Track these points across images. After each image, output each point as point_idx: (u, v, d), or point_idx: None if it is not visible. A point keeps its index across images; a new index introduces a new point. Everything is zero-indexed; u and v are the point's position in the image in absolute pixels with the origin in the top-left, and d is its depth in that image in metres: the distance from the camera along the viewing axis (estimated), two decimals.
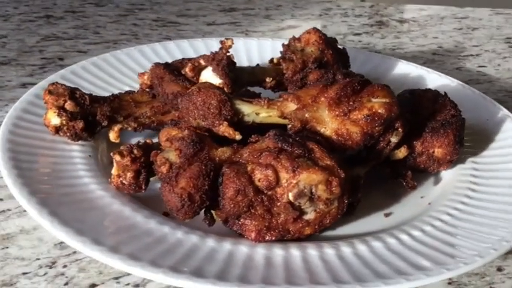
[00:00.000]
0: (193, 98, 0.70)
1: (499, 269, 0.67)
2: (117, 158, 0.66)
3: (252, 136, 0.69)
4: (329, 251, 0.64)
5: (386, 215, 0.72)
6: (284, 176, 0.63)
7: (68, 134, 0.75)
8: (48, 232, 0.64)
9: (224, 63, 0.77)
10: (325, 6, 1.40)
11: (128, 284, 0.62)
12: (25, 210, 0.68)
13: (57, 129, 0.75)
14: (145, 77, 0.82)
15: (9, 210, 0.70)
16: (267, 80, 0.81)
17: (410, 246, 0.65)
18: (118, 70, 0.93)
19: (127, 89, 0.86)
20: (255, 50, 1.00)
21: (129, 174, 0.67)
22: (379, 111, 0.70)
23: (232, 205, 0.63)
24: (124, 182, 0.67)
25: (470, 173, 0.78)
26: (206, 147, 0.66)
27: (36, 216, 0.63)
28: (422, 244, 0.65)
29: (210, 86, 0.71)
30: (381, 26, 1.31)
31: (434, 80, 0.95)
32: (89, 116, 0.76)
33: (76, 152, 0.75)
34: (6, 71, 0.99)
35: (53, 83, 0.75)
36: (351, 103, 0.70)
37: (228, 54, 0.78)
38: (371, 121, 0.69)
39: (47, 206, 0.63)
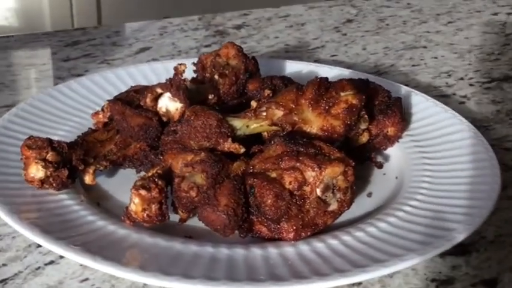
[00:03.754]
0: (192, 123, 0.73)
1: None
2: (143, 192, 0.67)
3: (254, 147, 0.73)
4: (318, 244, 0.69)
5: (369, 195, 0.80)
6: (310, 174, 0.68)
7: (54, 185, 0.74)
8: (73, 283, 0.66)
9: (183, 87, 0.80)
10: (159, 25, 1.44)
11: None
12: (38, 268, 0.68)
13: (43, 182, 0.74)
14: (101, 116, 0.83)
15: (20, 272, 0.68)
16: (210, 97, 0.85)
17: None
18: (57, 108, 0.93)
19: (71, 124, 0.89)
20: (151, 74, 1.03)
21: (154, 206, 0.68)
22: (353, 102, 0.77)
23: (275, 211, 0.67)
24: (150, 214, 0.68)
25: (413, 144, 0.87)
26: (225, 164, 0.70)
27: (89, 263, 0.63)
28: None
29: (202, 108, 0.74)
30: (223, 34, 1.38)
31: (327, 72, 1.03)
32: (67, 163, 0.75)
33: (67, 200, 0.74)
34: None
35: (29, 137, 0.74)
36: (327, 100, 0.76)
37: (182, 78, 0.81)
38: (349, 112, 0.77)
39: (88, 253, 0.64)
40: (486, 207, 0.71)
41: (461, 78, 1.17)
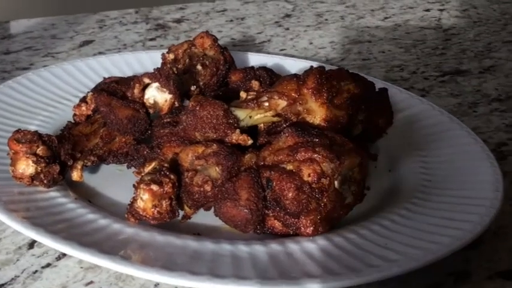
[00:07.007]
0: (198, 113, 0.68)
1: None
2: (154, 188, 0.63)
3: (261, 138, 0.70)
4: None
5: (367, 188, 0.77)
6: (328, 166, 0.65)
7: (45, 181, 0.69)
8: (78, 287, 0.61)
9: (173, 77, 0.75)
10: (96, 18, 1.37)
11: None
12: (36, 271, 0.63)
13: (33, 179, 0.68)
14: (84, 108, 0.77)
15: (17, 276, 0.62)
16: (192, 88, 0.81)
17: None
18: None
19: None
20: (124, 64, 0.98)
21: (165, 203, 0.64)
22: (355, 91, 0.75)
23: (296, 204, 0.64)
24: (161, 211, 0.64)
25: (399, 136, 0.86)
26: (238, 157, 0.66)
27: (107, 264, 0.59)
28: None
29: (206, 98, 0.70)
30: (164, 28, 1.33)
31: (293, 64, 1.01)
32: (57, 159, 0.70)
33: (59, 198, 0.69)
34: None
35: (17, 130, 0.68)
36: (329, 89, 0.74)
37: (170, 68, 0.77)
38: (352, 102, 0.74)
39: (103, 253, 0.59)
40: (496, 197, 0.70)
41: (414, 72, 1.16)
